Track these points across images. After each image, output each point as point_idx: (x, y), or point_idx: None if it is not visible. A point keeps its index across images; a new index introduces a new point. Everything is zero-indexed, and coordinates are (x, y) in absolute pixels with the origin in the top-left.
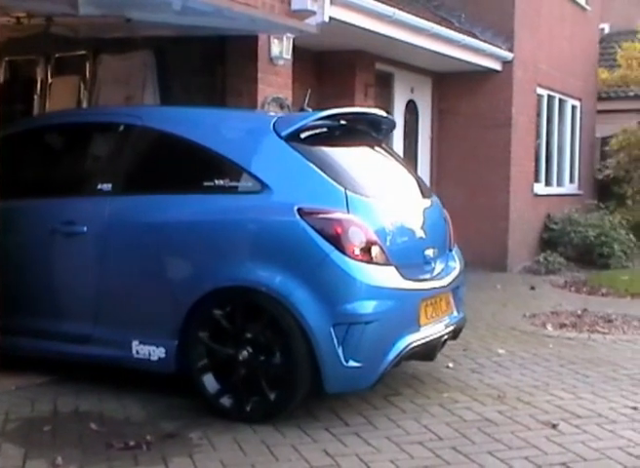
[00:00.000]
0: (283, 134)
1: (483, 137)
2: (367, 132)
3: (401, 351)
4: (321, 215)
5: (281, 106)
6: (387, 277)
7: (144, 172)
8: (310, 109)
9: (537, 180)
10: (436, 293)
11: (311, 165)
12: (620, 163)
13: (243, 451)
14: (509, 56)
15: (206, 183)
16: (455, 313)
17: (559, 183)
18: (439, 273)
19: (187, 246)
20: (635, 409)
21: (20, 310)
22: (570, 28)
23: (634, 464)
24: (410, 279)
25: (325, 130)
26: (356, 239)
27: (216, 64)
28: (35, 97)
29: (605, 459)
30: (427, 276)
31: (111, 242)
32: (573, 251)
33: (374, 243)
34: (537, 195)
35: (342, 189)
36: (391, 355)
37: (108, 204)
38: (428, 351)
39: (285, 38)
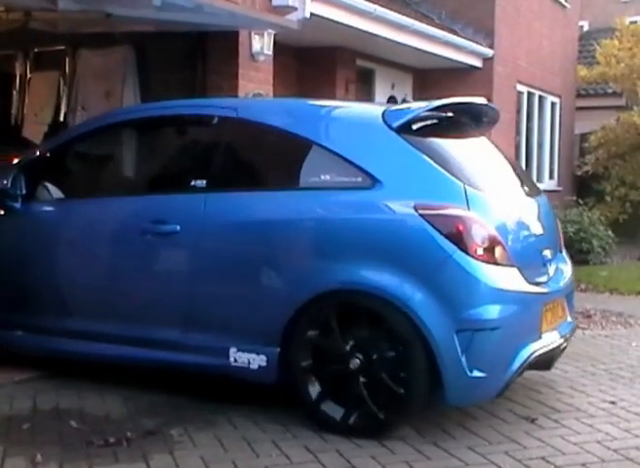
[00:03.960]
0: (394, 125)
1: None
2: (470, 123)
3: (525, 360)
4: (440, 212)
5: None
6: (511, 279)
7: (242, 166)
8: (411, 100)
9: None
10: (554, 298)
11: (426, 158)
12: (599, 159)
13: (224, 448)
14: (490, 52)
15: (310, 179)
16: (568, 319)
17: (539, 179)
18: (554, 276)
19: (291, 246)
20: (613, 403)
21: (95, 313)
22: (549, 25)
23: (612, 458)
24: (532, 282)
25: (436, 121)
26: (479, 238)
27: (196, 60)
28: (14, 92)
29: (583, 453)
30: (545, 279)
31: (207, 242)
32: None
33: (497, 242)
34: None
35: (461, 184)
36: (516, 364)
37: (203, 201)
38: (547, 360)
39: (266, 34)
